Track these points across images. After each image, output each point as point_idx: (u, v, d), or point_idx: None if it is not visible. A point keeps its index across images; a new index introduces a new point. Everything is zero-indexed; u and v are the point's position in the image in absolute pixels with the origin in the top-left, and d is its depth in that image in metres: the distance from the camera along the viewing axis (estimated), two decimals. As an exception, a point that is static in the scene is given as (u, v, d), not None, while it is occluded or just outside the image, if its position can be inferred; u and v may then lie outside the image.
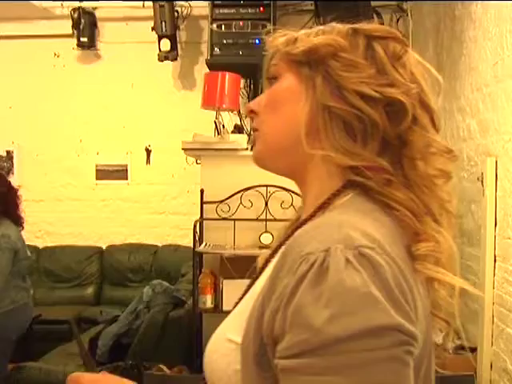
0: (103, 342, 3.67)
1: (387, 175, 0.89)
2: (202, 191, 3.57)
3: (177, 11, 6.13)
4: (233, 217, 3.50)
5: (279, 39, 1.01)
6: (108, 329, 3.79)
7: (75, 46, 6.41)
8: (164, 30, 6.03)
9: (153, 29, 6.06)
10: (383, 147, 0.91)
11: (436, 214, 0.90)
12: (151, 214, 6.46)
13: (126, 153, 6.45)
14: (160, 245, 6.32)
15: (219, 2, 5.57)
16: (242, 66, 5.16)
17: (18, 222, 3.82)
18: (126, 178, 6.47)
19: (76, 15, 6.33)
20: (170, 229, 6.41)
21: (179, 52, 6.21)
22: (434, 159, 0.92)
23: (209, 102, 3.74)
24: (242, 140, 3.62)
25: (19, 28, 6.53)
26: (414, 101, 0.91)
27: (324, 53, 0.94)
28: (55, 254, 6.33)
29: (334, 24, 1.00)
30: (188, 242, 5.86)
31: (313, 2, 5.44)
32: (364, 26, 0.98)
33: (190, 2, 6.17)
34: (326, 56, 0.94)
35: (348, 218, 0.84)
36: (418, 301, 0.81)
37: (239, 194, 3.51)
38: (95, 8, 6.38)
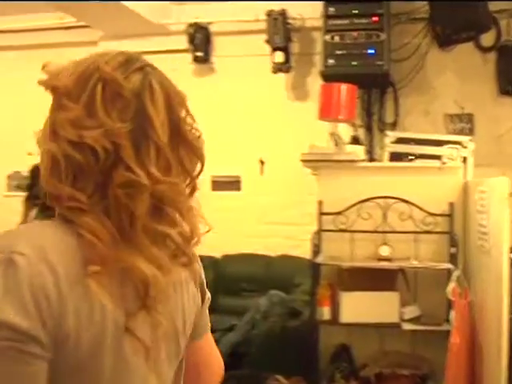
0: (221, 349, 3.71)
1: (79, 204, 0.97)
2: (319, 202, 3.57)
3: (289, 23, 6.18)
4: (350, 228, 3.47)
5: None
6: (225, 337, 3.84)
7: (191, 61, 6.59)
8: (277, 42, 6.10)
9: (266, 41, 6.15)
10: (88, 181, 0.99)
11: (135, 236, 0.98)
12: (264, 224, 6.51)
13: (240, 164, 6.55)
14: (273, 255, 6.36)
15: (333, 14, 5.57)
16: (356, 76, 5.14)
17: None
18: (240, 189, 6.57)
19: (191, 30, 6.51)
20: (282, 239, 6.44)
21: (292, 64, 6.25)
22: (134, 194, 0.99)
23: (325, 113, 3.74)
24: (359, 151, 3.60)
25: (137, 45, 6.77)
26: (118, 140, 0.99)
27: (50, 90, 1.08)
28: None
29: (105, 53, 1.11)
30: (301, 252, 5.89)
31: (427, 10, 5.35)
32: (108, 63, 1.06)
33: (302, 14, 6.20)
34: (52, 93, 1.09)
35: (27, 231, 1.01)
36: (70, 306, 0.89)
37: (357, 206, 3.48)
38: (210, 23, 6.54)
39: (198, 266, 1.24)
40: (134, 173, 0.99)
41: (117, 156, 0.99)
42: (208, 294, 1.31)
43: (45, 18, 6.84)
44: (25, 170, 7.23)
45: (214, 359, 1.41)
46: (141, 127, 1.03)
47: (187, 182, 1.12)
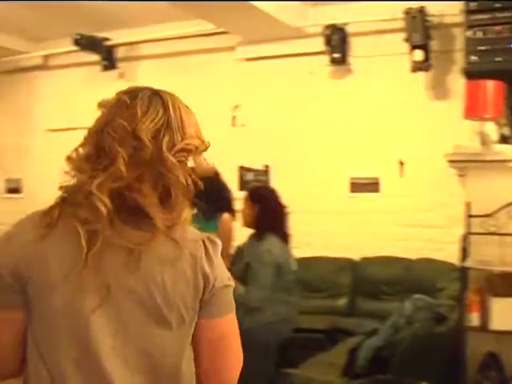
0: (363, 353, 3.68)
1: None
2: (467, 204, 3.45)
3: (428, 21, 6.02)
4: (501, 231, 3.32)
5: None
6: (368, 341, 3.80)
7: (328, 63, 6.59)
8: (416, 40, 5.97)
9: (405, 40, 6.03)
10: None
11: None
12: (403, 226, 6.38)
13: (379, 165, 6.46)
14: (413, 258, 6.21)
15: (474, 8, 5.37)
16: (501, 72, 4.91)
17: (284, 237, 4.00)
18: (379, 191, 6.48)
19: (328, 32, 6.50)
20: (422, 242, 6.27)
21: (432, 62, 6.08)
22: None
23: (472, 111, 3.60)
24: (508, 151, 3.44)
25: (273, 49, 6.90)
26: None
27: None
28: (309, 265, 6.50)
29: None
30: (443, 256, 5.73)
31: None
32: None
33: (441, 10, 6.03)
34: None
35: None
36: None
37: (508, 208, 3.32)
38: (346, 24, 6.50)
39: (201, 254, 1.42)
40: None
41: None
42: (225, 282, 1.50)
43: (185, 26, 7.09)
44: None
45: (231, 343, 1.52)
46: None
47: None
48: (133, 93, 1.43)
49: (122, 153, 1.33)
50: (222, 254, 4.21)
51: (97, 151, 1.38)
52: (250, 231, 4.12)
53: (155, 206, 1.32)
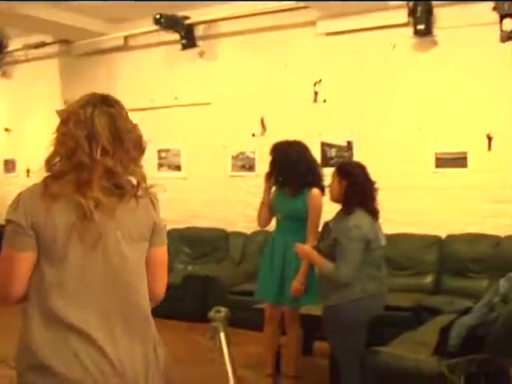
0: (456, 332, 3.58)
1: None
2: None
3: (518, -13, 5.76)
4: None
5: None
6: (461, 320, 3.69)
7: (411, 35, 6.40)
8: (506, 9, 5.72)
9: (493, 9, 5.79)
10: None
11: None
12: (492, 202, 6.17)
13: (466, 140, 6.26)
14: (502, 235, 6.01)
15: None
16: None
17: (372, 213, 3.92)
18: (466, 166, 6.28)
19: (412, 3, 6.31)
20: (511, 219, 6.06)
21: (522, 31, 5.82)
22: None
23: None
24: None
25: (354, 22, 6.75)
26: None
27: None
28: (395, 242, 6.37)
29: None
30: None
31: None
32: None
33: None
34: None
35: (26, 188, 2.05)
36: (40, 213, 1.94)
37: None
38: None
39: (155, 204, 2.17)
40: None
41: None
42: (162, 223, 2.19)
43: (265, 2, 7.03)
44: (249, 151, 7.59)
45: (160, 266, 2.26)
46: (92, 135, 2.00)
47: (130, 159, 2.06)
48: None
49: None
50: (310, 230, 4.21)
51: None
52: (338, 207, 4.06)
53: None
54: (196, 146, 8.09)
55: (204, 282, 6.95)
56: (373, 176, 6.60)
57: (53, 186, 1.95)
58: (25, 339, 1.98)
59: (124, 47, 8.70)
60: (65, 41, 9.19)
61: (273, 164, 4.65)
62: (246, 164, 7.63)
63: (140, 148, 2.11)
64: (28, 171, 10.30)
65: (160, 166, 8.49)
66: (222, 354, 4.18)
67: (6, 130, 10.58)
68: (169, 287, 6.97)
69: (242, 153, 7.65)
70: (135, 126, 2.13)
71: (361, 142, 6.74)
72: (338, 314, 3.85)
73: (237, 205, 7.65)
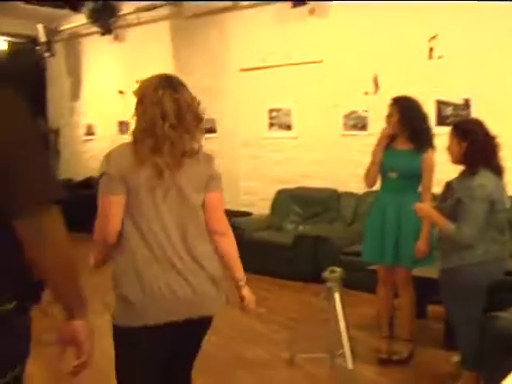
0: None
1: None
2: None
3: None
4: None
5: None
6: None
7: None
8: None
9: None
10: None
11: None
12: None
13: None
14: None
15: None
16: None
17: (497, 171, 3.72)
18: None
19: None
20: None
21: None
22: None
23: None
24: None
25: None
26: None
27: None
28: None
29: None
30: None
31: None
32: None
33: None
34: None
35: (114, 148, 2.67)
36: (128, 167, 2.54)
37: None
38: None
39: (210, 162, 2.74)
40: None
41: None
42: (217, 174, 2.73)
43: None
44: (361, 109, 7.42)
45: (215, 207, 2.72)
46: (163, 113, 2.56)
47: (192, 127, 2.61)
48: None
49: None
50: (426, 189, 4.09)
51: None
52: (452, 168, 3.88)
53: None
54: (307, 105, 8.00)
55: (315, 243, 6.93)
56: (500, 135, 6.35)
57: (136, 148, 2.57)
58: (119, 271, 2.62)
59: (234, 7, 8.69)
60: (175, 3, 9.26)
61: (399, 119, 4.46)
62: (358, 123, 7.47)
63: (198, 118, 2.65)
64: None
65: (271, 125, 8.46)
66: (336, 314, 4.16)
67: (120, 92, 10.87)
68: (280, 247, 7.08)
69: (353, 112, 7.49)
70: (193, 100, 2.65)
71: (479, 99, 6.41)
72: (458, 276, 3.71)
73: (348, 164, 7.54)
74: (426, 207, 3.93)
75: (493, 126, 6.23)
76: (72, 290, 1.92)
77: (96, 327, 2.07)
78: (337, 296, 4.18)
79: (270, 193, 8.30)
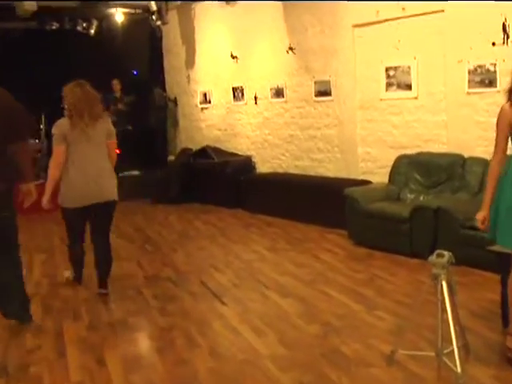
0: None
1: None
2: None
3: None
4: None
5: None
6: None
7: None
8: None
9: None
10: None
11: None
12: None
13: None
14: None
15: None
16: None
17: None
18: None
19: None
20: None
21: None
22: None
23: None
24: None
25: None
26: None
27: None
28: None
29: None
30: None
31: None
32: None
33: None
34: None
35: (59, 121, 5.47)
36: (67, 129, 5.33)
37: None
38: None
39: (109, 123, 5.63)
40: None
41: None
42: (112, 130, 5.60)
43: None
44: (489, 63, 6.47)
45: (111, 148, 5.56)
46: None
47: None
48: None
49: None
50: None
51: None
52: None
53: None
54: (428, 61, 7.16)
55: (435, 215, 6.14)
56: None
57: (70, 119, 5.26)
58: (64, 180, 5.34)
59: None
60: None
61: None
62: (485, 78, 6.52)
63: (98, 100, 5.41)
64: (256, 98, 10.15)
65: (388, 85, 7.68)
66: (443, 305, 3.48)
67: (234, 57, 10.46)
68: (396, 220, 6.28)
69: (480, 66, 6.54)
70: (95, 92, 5.39)
71: None
72: None
73: (475, 126, 6.66)
74: None
75: None
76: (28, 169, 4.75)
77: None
78: (444, 285, 3.49)
79: (390, 159, 7.58)
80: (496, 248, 4.05)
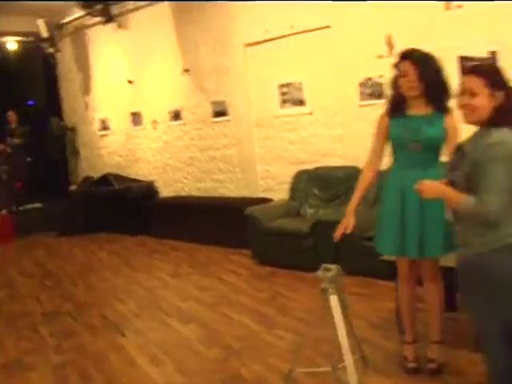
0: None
1: None
2: None
3: None
4: None
5: None
6: None
7: None
8: None
9: None
10: None
11: None
12: None
13: None
14: None
15: None
16: None
17: None
18: None
19: None
20: None
21: None
22: None
23: None
24: None
25: None
26: None
27: None
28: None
29: None
30: None
31: None
32: None
33: None
34: None
35: None
36: None
37: None
38: None
39: None
40: None
41: None
42: None
43: None
44: (377, 75, 6.57)
45: None
46: None
47: None
48: None
49: None
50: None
51: None
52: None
53: None
54: (319, 76, 7.23)
55: (335, 228, 6.13)
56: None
57: None
58: None
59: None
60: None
61: (418, 77, 3.60)
62: (375, 91, 6.63)
63: None
64: (154, 122, 10.01)
65: (282, 102, 7.71)
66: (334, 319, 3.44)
67: (130, 82, 10.31)
68: (297, 235, 6.34)
69: (369, 79, 6.64)
70: None
71: (508, 50, 5.54)
72: (481, 266, 2.80)
73: (369, 138, 6.69)
74: (431, 183, 3.02)
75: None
76: None
77: None
78: (332, 298, 3.44)
79: (289, 176, 7.58)
80: (385, 257, 4.07)
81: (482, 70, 2.86)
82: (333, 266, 3.51)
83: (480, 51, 5.67)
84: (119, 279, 7.17)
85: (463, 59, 5.79)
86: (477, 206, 2.67)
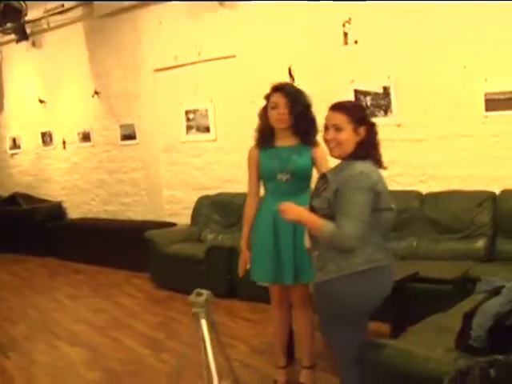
0: (479, 321, 2.72)
1: None
2: None
3: None
4: None
5: None
6: (488, 303, 2.82)
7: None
8: None
9: None
10: None
11: None
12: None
13: None
14: None
15: None
16: None
17: (379, 163, 2.97)
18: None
19: None
20: None
21: None
22: None
23: None
24: None
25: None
26: None
27: None
28: (440, 201, 5.50)
29: None
30: None
31: None
32: None
33: None
34: None
35: None
36: None
37: None
38: None
39: None
40: None
41: None
42: None
43: None
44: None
45: None
46: None
47: None
48: None
49: None
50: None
51: None
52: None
53: None
54: (223, 104, 7.38)
55: (229, 254, 6.24)
56: (414, 126, 5.77)
57: None
58: None
59: (145, 3, 8.03)
60: (85, 3, 8.67)
61: (290, 110, 3.70)
62: (277, 120, 6.81)
63: None
64: (64, 143, 9.92)
65: (188, 128, 7.81)
66: (204, 343, 3.49)
67: (41, 101, 10.19)
68: (192, 261, 6.36)
69: (271, 108, 6.82)
70: None
71: (399, 86, 5.81)
72: (333, 291, 2.94)
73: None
74: (293, 207, 3.12)
75: (412, 114, 5.70)
76: None
77: None
78: (204, 323, 3.50)
79: (193, 201, 7.64)
80: (262, 283, 4.17)
81: (347, 107, 3.03)
82: (204, 292, 3.57)
83: (374, 86, 5.93)
84: (16, 300, 7.03)
85: (358, 93, 6.04)
86: (334, 230, 2.80)
